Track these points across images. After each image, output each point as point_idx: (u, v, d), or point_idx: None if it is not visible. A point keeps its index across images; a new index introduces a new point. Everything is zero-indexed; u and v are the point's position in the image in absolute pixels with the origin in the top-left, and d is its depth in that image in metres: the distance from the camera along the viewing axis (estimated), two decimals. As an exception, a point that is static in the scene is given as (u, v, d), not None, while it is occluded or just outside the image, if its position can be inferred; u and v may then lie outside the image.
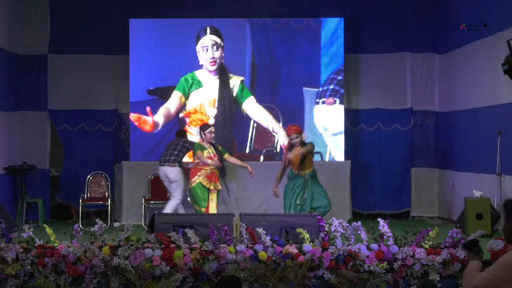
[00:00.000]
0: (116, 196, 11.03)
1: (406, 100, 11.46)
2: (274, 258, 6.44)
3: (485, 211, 9.03)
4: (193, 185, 8.75)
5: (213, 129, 8.93)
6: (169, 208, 9.59)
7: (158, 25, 11.28)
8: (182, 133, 10.16)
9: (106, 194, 10.81)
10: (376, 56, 11.43)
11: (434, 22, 11.33)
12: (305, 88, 11.11)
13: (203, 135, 8.88)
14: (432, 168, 11.46)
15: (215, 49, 10.82)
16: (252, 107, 10.93)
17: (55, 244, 6.57)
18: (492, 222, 9.02)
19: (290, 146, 9.17)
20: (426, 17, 11.40)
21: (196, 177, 8.74)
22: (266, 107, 11.02)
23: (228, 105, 10.97)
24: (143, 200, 10.64)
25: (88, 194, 10.78)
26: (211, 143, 8.90)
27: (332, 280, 6.38)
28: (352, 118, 11.45)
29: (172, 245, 6.49)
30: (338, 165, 10.94)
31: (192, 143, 9.88)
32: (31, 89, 11.19)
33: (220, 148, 9.14)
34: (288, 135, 9.14)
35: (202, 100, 10.89)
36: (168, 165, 9.69)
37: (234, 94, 10.93)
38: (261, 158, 11.07)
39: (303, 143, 9.13)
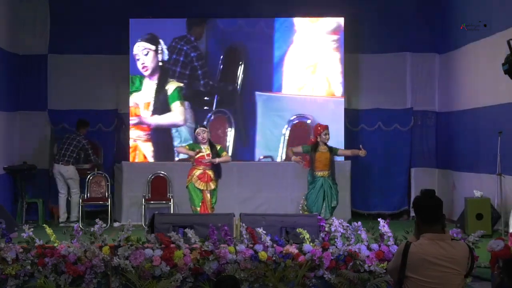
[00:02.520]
0: (116, 196, 11.02)
1: (406, 100, 11.46)
2: (274, 258, 6.44)
3: (485, 211, 9.03)
4: (187, 184, 8.76)
5: (199, 131, 8.88)
6: (76, 206, 10.44)
7: (158, 25, 11.28)
8: (81, 124, 10.68)
9: (106, 194, 10.80)
10: (376, 56, 11.43)
11: (434, 22, 11.33)
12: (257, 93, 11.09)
13: (196, 136, 8.93)
14: (432, 168, 11.46)
15: (145, 54, 10.93)
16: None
17: (55, 244, 6.57)
18: (492, 222, 9.01)
19: (315, 145, 9.16)
20: (426, 17, 11.39)
21: (190, 177, 8.73)
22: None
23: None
24: (143, 200, 10.64)
25: (88, 194, 10.77)
26: (209, 142, 8.86)
27: (333, 280, 6.37)
28: (352, 118, 11.45)
29: (172, 245, 6.49)
30: (338, 165, 10.90)
31: (81, 143, 10.51)
32: (31, 89, 11.19)
33: (218, 147, 9.08)
34: (319, 132, 9.12)
35: (138, 102, 11.07)
36: (61, 164, 10.42)
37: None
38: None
39: (327, 145, 9.16)
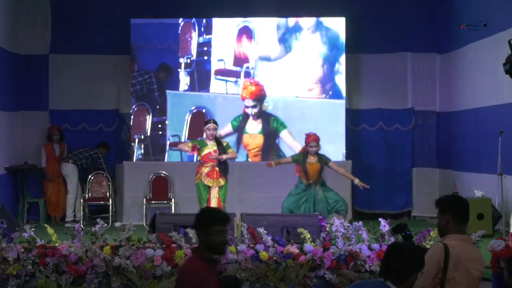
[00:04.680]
0: (117, 196, 11.03)
1: (407, 100, 11.46)
2: (275, 258, 6.45)
3: (486, 211, 9.02)
4: (196, 182, 8.77)
5: (211, 126, 8.86)
6: (71, 206, 10.59)
7: (160, 25, 11.29)
8: (103, 145, 11.04)
9: (108, 194, 10.81)
10: (377, 56, 11.43)
11: (435, 22, 11.33)
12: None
13: (204, 130, 8.92)
14: (433, 168, 11.46)
15: None
16: None
17: (56, 244, 6.58)
18: (493, 222, 9.01)
19: (305, 154, 9.02)
20: (427, 17, 11.40)
21: (198, 174, 8.75)
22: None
23: None
24: (144, 200, 10.64)
25: (90, 194, 10.78)
26: (215, 139, 8.86)
27: (333, 280, 6.38)
28: (354, 118, 11.45)
29: (173, 245, 6.50)
30: (339, 165, 10.92)
31: (99, 158, 10.87)
32: (32, 89, 11.20)
33: (225, 144, 9.06)
34: (307, 142, 9.01)
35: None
36: (64, 161, 10.69)
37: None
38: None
39: (318, 154, 9.03)
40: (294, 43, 11.17)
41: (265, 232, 6.53)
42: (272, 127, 10.77)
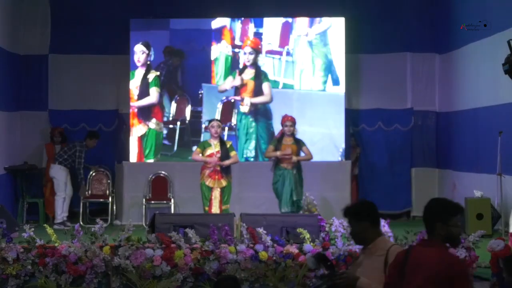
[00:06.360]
0: (116, 196, 11.03)
1: (407, 100, 11.46)
2: (274, 258, 6.45)
3: (485, 211, 9.03)
4: (200, 182, 8.76)
5: (214, 123, 8.84)
6: (58, 207, 10.24)
7: (159, 25, 11.31)
8: (88, 135, 10.63)
9: (107, 191, 10.81)
10: (376, 56, 11.43)
11: (435, 22, 11.34)
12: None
13: (209, 128, 8.92)
14: (432, 168, 11.47)
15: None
16: None
17: (56, 244, 6.58)
18: (492, 222, 9.02)
19: (280, 137, 9.07)
20: (426, 17, 11.41)
21: (201, 175, 8.74)
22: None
23: None
24: (144, 200, 10.65)
25: (89, 192, 10.78)
26: (219, 139, 8.84)
27: (333, 280, 6.37)
28: (353, 118, 11.45)
29: (172, 245, 6.51)
30: (338, 165, 10.94)
31: (79, 145, 10.34)
32: (32, 89, 11.20)
33: (228, 144, 9.04)
34: (282, 122, 9.07)
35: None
36: (52, 164, 10.37)
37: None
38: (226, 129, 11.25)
39: (294, 137, 9.06)
40: (293, 43, 11.17)
41: (265, 232, 6.53)
42: (261, 77, 11.17)
